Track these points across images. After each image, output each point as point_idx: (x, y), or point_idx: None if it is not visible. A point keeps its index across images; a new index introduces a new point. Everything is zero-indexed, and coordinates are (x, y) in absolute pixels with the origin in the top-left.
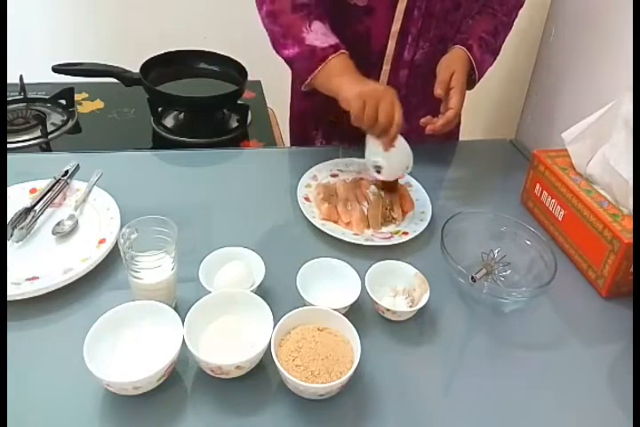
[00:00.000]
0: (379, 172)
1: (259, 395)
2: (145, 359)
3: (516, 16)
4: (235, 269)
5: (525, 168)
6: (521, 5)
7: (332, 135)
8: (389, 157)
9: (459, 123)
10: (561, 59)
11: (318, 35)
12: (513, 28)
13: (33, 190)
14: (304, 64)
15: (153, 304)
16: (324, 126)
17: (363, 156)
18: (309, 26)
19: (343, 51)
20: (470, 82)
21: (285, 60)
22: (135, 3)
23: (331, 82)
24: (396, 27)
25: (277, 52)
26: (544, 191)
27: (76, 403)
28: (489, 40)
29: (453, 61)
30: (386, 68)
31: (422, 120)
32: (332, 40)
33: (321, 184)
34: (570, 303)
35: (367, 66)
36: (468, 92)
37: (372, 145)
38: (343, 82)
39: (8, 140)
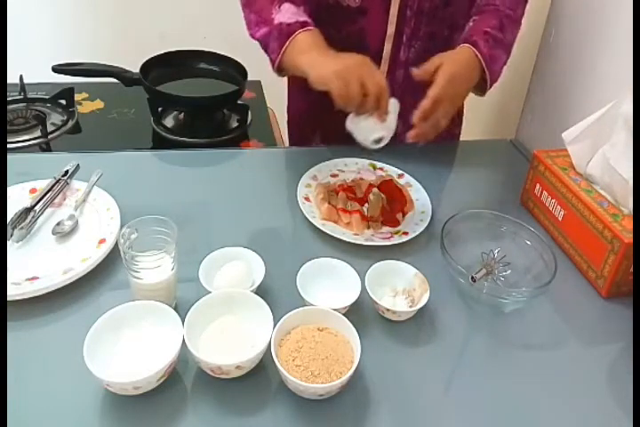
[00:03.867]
0: (378, 142)
1: (259, 395)
2: (145, 359)
3: (523, 12)
4: (235, 270)
5: (525, 168)
6: (525, 0)
7: (329, 137)
8: (389, 125)
9: (460, 122)
10: (561, 59)
11: (288, 13)
12: None
13: (33, 190)
14: (274, 43)
15: (153, 304)
16: (322, 128)
17: (362, 156)
18: (279, 7)
19: (312, 28)
20: (482, 84)
21: (259, 42)
22: (135, 3)
23: (299, 59)
24: (391, 29)
25: (252, 36)
26: (544, 191)
27: (75, 403)
28: (495, 35)
29: (447, 57)
30: (383, 68)
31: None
32: (302, 17)
33: (321, 184)
34: (570, 303)
35: None
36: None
37: (365, 124)
38: (312, 58)
39: (8, 140)
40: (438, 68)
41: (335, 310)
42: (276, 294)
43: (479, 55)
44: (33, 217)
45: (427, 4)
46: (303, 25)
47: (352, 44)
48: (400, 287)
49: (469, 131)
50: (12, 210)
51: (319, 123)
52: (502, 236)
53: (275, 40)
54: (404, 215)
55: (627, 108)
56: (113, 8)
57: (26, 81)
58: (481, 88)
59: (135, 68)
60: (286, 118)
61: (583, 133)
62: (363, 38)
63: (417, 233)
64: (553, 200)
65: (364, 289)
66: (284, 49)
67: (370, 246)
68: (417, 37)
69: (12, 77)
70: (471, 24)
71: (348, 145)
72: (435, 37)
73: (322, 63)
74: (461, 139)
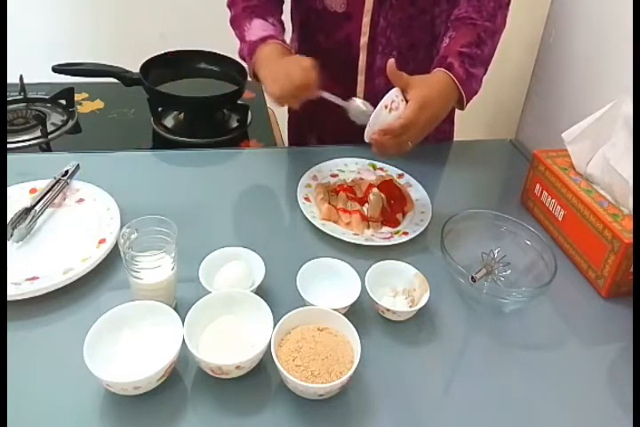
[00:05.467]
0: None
1: (259, 395)
2: (145, 359)
3: (504, 17)
4: (235, 269)
5: (525, 168)
6: (505, 4)
7: (325, 138)
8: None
9: (452, 122)
10: (561, 59)
11: (255, 30)
12: (512, 27)
13: (33, 190)
14: (246, 60)
15: (153, 304)
16: (319, 129)
17: (362, 156)
18: (249, 24)
19: (273, 40)
20: (461, 99)
21: (240, 58)
22: (135, 3)
23: (260, 74)
24: (364, 39)
25: (238, 53)
26: (544, 191)
27: (75, 403)
28: (471, 52)
29: (421, 80)
30: (360, 78)
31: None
32: (265, 32)
33: (321, 184)
34: (570, 303)
35: (350, 73)
36: None
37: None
38: (265, 73)
39: (8, 141)
40: (409, 88)
41: (335, 310)
42: (276, 294)
43: (454, 78)
44: (33, 217)
45: (398, 14)
46: (264, 40)
47: (340, 50)
48: (400, 287)
49: (469, 131)
50: (12, 210)
51: (317, 124)
52: (502, 236)
53: (246, 56)
54: (404, 215)
55: (627, 109)
56: (113, 8)
57: (26, 81)
58: (460, 102)
59: (135, 68)
60: (287, 118)
61: (583, 133)
62: (349, 44)
63: (417, 233)
64: (553, 200)
65: (364, 289)
66: (252, 67)
67: (370, 246)
68: (393, 47)
69: (11, 77)
70: (447, 41)
71: (351, 144)
72: (415, 46)
73: (268, 74)
74: (461, 139)
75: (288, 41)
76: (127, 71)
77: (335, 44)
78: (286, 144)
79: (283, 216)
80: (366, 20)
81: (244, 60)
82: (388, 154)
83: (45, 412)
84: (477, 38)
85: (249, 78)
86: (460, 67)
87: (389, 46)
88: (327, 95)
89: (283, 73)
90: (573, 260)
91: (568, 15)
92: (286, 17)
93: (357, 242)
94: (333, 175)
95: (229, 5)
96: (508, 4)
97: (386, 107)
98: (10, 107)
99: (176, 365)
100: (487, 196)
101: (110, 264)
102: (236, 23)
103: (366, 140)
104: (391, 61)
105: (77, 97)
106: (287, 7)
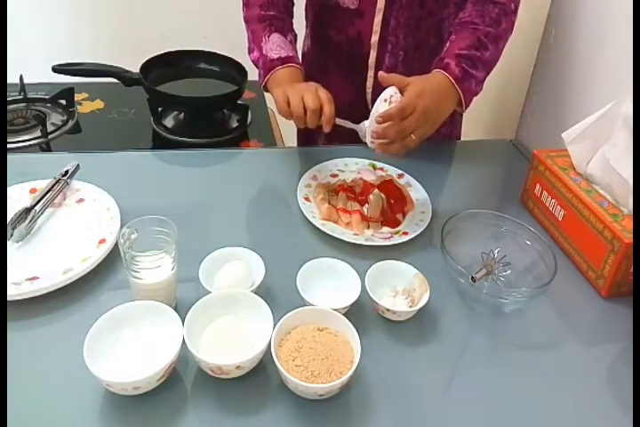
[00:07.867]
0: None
1: (259, 395)
2: (145, 359)
3: (509, 23)
4: (235, 269)
5: (525, 168)
6: (512, 11)
7: (334, 136)
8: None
9: (460, 122)
10: (561, 59)
11: (274, 46)
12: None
13: (33, 190)
14: (260, 70)
15: (153, 304)
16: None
17: (362, 156)
18: (268, 36)
19: (292, 64)
20: (460, 103)
21: (252, 61)
22: (135, 3)
23: (274, 90)
24: (375, 37)
25: (247, 52)
26: (544, 191)
27: (76, 403)
28: (469, 54)
29: (418, 78)
30: (370, 73)
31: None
32: (285, 53)
33: (321, 184)
34: (570, 303)
35: (360, 68)
36: None
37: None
38: (282, 91)
39: (8, 141)
40: (406, 86)
41: (335, 310)
42: (276, 294)
43: (450, 76)
44: (33, 217)
45: (407, 13)
46: (284, 61)
47: (351, 46)
48: (400, 287)
49: (469, 131)
50: (12, 210)
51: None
52: (502, 236)
53: (261, 68)
54: (404, 215)
55: (627, 108)
56: (113, 8)
57: (26, 81)
58: (460, 104)
59: (135, 68)
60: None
61: (583, 133)
62: (360, 40)
63: (417, 233)
64: (553, 200)
65: (364, 289)
66: (265, 79)
67: (370, 246)
68: (401, 46)
69: (12, 77)
70: (447, 44)
71: (352, 144)
72: (420, 47)
73: (280, 90)
74: (462, 139)
75: (301, 37)
76: (127, 71)
77: (346, 40)
78: (287, 144)
79: (283, 216)
80: (378, 19)
81: (256, 66)
82: (393, 151)
83: (45, 412)
84: (477, 42)
85: (249, 78)
86: (457, 66)
87: (398, 46)
88: (338, 121)
89: (295, 92)
90: (573, 260)
91: (568, 15)
92: (300, 12)
93: (357, 242)
94: (333, 175)
95: (244, 3)
96: (515, 11)
97: (385, 100)
98: (10, 107)
99: (176, 365)
100: (487, 196)
101: (110, 264)
102: (251, 26)
103: (367, 141)
104: (380, 73)
105: (77, 97)
106: (301, 2)
